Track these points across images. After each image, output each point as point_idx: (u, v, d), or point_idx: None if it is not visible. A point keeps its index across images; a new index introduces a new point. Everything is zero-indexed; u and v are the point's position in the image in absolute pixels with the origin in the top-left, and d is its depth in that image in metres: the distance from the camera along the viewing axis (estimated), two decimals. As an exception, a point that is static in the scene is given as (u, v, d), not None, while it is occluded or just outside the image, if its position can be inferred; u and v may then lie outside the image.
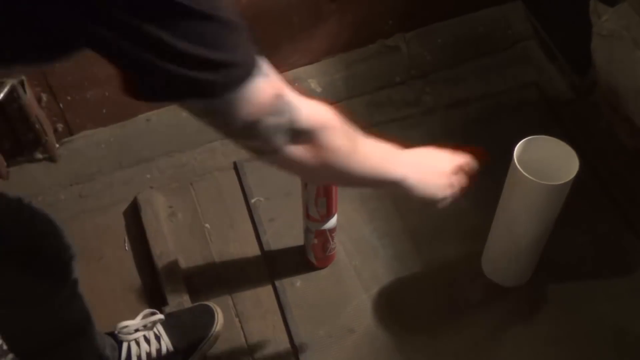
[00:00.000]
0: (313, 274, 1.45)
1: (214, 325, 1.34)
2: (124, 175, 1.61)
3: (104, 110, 1.59)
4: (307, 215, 1.35)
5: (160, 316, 1.31)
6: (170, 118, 1.64)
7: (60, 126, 1.58)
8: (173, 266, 1.45)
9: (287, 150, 0.83)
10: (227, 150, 1.64)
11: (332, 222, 1.36)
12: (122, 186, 1.58)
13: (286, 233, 1.50)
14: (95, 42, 0.70)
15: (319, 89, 1.70)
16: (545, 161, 1.24)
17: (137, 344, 1.29)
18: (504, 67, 1.77)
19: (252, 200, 1.55)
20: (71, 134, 1.61)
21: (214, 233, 1.52)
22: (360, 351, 1.36)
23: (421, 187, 1.02)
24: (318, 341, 1.37)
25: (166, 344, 1.30)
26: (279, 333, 1.39)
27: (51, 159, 1.59)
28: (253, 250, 1.49)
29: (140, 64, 0.70)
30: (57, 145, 1.60)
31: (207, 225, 1.53)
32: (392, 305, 1.41)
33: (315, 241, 1.39)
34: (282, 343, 1.37)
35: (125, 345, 1.28)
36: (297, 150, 0.84)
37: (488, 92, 1.73)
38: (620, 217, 1.51)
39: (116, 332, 1.29)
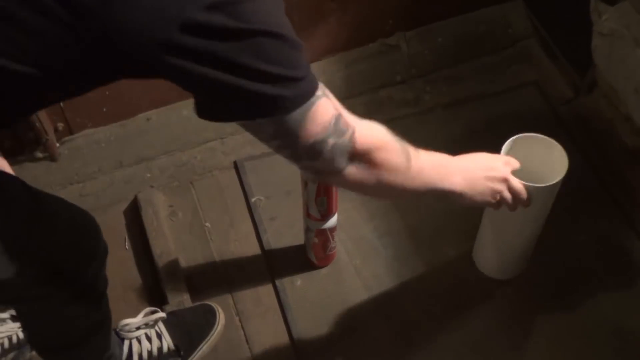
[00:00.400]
0: (313, 273, 1.46)
1: (216, 325, 1.34)
2: (124, 174, 1.61)
3: (105, 109, 1.59)
4: (307, 214, 1.35)
5: (162, 314, 1.32)
6: (171, 117, 1.64)
7: (60, 125, 1.58)
8: (173, 265, 1.45)
9: (347, 171, 0.88)
10: (228, 150, 1.64)
11: (333, 221, 1.36)
12: (123, 185, 1.58)
13: (286, 232, 1.50)
14: (173, 73, 0.74)
15: (319, 88, 1.70)
16: (535, 160, 1.22)
17: (139, 341, 1.29)
18: (505, 66, 1.77)
19: (253, 199, 1.55)
20: (72, 133, 1.61)
21: (215, 232, 1.52)
22: (361, 350, 1.36)
23: (472, 195, 1.05)
24: (318, 340, 1.37)
25: (167, 342, 1.30)
26: (279, 332, 1.39)
27: (51, 158, 1.59)
28: (253, 249, 1.49)
29: (218, 87, 0.75)
30: (58, 145, 1.60)
31: (207, 224, 1.53)
32: (393, 304, 1.41)
33: (316, 240, 1.39)
34: (282, 342, 1.37)
35: (126, 342, 1.28)
36: (356, 171, 0.89)
37: (488, 91, 1.73)
38: (621, 217, 1.51)
39: (118, 329, 1.29)
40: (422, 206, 1.54)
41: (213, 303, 1.37)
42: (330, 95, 0.85)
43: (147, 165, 1.61)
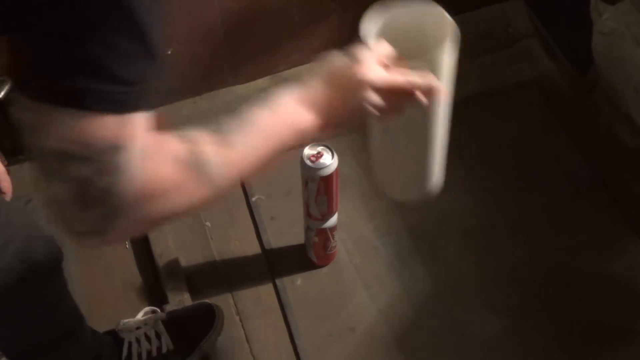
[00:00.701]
0: (314, 272, 1.45)
1: (215, 324, 1.34)
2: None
3: (105, 109, 1.59)
4: (307, 214, 1.35)
5: (162, 314, 1.32)
6: (170, 116, 1.63)
7: (60, 124, 1.58)
8: (173, 264, 1.45)
9: (109, 234, 0.64)
10: (228, 149, 1.64)
11: (333, 220, 1.36)
12: (123, 184, 1.58)
13: (287, 231, 1.50)
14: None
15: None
16: (416, 35, 0.90)
17: (138, 341, 1.29)
18: (505, 65, 1.77)
19: (253, 199, 1.55)
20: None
21: (215, 231, 1.52)
22: (361, 349, 1.36)
23: (334, 120, 0.80)
24: (318, 339, 1.37)
25: (167, 342, 1.30)
26: (279, 331, 1.39)
27: (51, 157, 1.58)
28: (254, 248, 1.49)
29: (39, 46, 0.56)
30: (58, 144, 1.59)
31: (207, 223, 1.53)
32: (393, 304, 1.41)
33: (316, 239, 1.39)
34: (282, 341, 1.37)
35: (126, 342, 1.28)
36: (124, 228, 0.65)
37: (488, 90, 1.73)
38: (621, 216, 1.51)
39: (117, 329, 1.29)
40: (423, 205, 1.54)
41: (212, 302, 1.37)
42: (136, 127, 0.61)
43: (147, 164, 1.61)
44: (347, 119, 0.81)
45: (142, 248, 1.50)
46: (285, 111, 0.76)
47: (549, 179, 1.57)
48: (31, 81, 0.58)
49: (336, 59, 0.82)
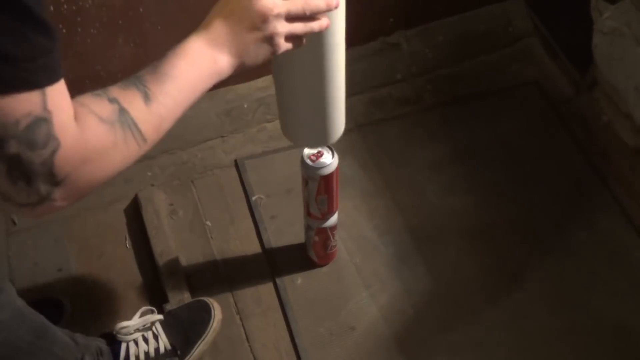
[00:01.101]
0: (314, 271, 1.46)
1: (211, 322, 1.34)
2: (124, 173, 1.59)
3: (105, 108, 1.59)
4: (308, 213, 1.35)
5: (159, 316, 1.31)
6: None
7: (61, 124, 1.58)
8: (174, 264, 1.45)
9: (42, 207, 0.65)
10: (228, 148, 1.64)
11: (333, 219, 1.36)
12: (123, 184, 1.58)
13: (287, 230, 1.50)
14: None
15: (319, 87, 1.70)
16: None
17: (136, 343, 1.29)
18: (505, 64, 1.77)
19: (253, 198, 1.55)
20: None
21: (215, 230, 1.52)
22: (361, 349, 1.36)
23: (248, 58, 0.81)
24: (319, 339, 1.37)
25: (164, 342, 1.30)
26: (279, 330, 1.39)
27: (52, 156, 1.59)
28: (254, 247, 1.49)
29: None
30: (58, 143, 1.59)
31: (208, 222, 1.53)
32: (393, 303, 1.41)
33: (316, 239, 1.39)
34: (282, 340, 1.38)
35: (123, 345, 1.28)
36: (58, 200, 0.65)
37: (489, 89, 1.73)
38: (621, 214, 1.51)
39: (114, 332, 1.29)
40: (423, 205, 1.54)
41: (208, 299, 1.37)
42: (54, 95, 0.62)
43: (148, 163, 1.61)
44: (255, 54, 0.81)
45: (142, 247, 1.50)
46: (197, 55, 0.77)
47: (549, 177, 1.57)
48: None
49: None
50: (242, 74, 0.84)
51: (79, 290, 1.43)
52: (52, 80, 0.62)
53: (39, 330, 1.10)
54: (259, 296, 1.43)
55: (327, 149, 1.24)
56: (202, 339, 1.33)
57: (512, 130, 1.66)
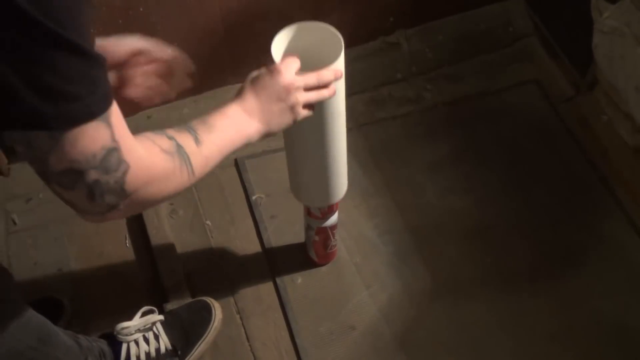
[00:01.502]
0: (314, 271, 1.46)
1: (212, 322, 1.34)
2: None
3: (105, 107, 1.59)
4: (308, 212, 1.35)
5: (160, 317, 1.31)
6: (171, 115, 1.64)
7: (61, 123, 1.58)
8: (174, 263, 1.45)
9: (114, 214, 0.77)
10: (228, 147, 1.64)
11: (333, 219, 1.36)
12: (123, 183, 1.58)
13: (287, 230, 1.50)
14: None
15: (320, 86, 1.70)
16: (312, 49, 1.06)
17: (137, 344, 1.29)
18: (505, 64, 1.77)
19: (253, 197, 1.55)
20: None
21: (215, 230, 1.52)
22: (361, 348, 1.36)
23: (273, 127, 0.96)
24: (319, 338, 1.37)
25: (165, 342, 1.30)
26: (279, 330, 1.39)
27: (52, 155, 1.59)
28: (254, 247, 1.49)
29: None
30: (58, 142, 1.59)
31: (208, 222, 1.53)
32: (393, 302, 1.41)
33: (316, 238, 1.39)
34: (282, 340, 1.38)
35: (124, 346, 1.28)
36: (128, 210, 0.77)
37: (489, 89, 1.73)
38: (621, 214, 1.51)
39: (115, 333, 1.29)
40: (423, 204, 1.54)
41: (208, 298, 1.37)
42: (115, 122, 0.71)
43: (148, 163, 1.61)
44: (280, 121, 0.97)
45: (142, 247, 1.50)
46: (236, 118, 0.93)
47: (549, 177, 1.57)
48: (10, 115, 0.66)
49: (259, 74, 0.97)
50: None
51: (79, 290, 1.43)
52: (110, 103, 0.71)
53: (43, 335, 1.11)
54: (259, 295, 1.43)
55: None
56: (202, 338, 1.33)
57: (512, 129, 1.66)
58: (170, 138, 0.82)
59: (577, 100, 1.67)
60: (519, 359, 1.35)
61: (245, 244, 1.50)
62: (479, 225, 1.51)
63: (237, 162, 1.61)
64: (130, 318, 1.30)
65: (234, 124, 0.92)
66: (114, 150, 0.72)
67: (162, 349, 1.30)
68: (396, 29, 1.74)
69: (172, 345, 1.30)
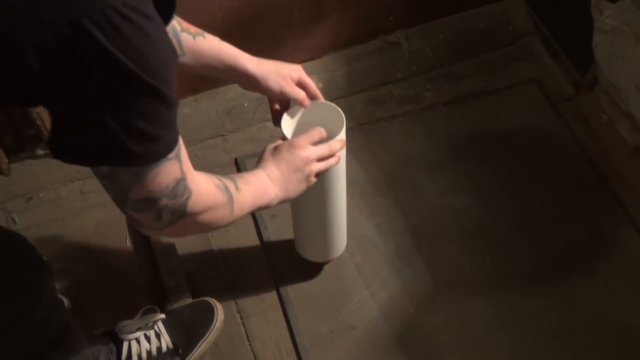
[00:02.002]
0: (314, 270, 1.46)
1: (214, 322, 1.34)
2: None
3: (105, 107, 1.59)
4: (308, 212, 1.35)
5: (162, 316, 1.31)
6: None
7: (61, 122, 1.58)
8: (174, 262, 1.45)
9: (168, 229, 0.88)
10: (229, 147, 1.64)
11: (333, 218, 1.37)
12: (124, 182, 1.59)
13: (288, 229, 1.50)
14: (49, 105, 0.74)
15: (320, 85, 1.70)
16: (316, 123, 1.17)
17: (138, 342, 1.29)
18: (505, 63, 1.77)
19: (253, 197, 1.55)
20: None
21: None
22: (361, 347, 1.36)
23: (290, 195, 1.09)
24: (319, 337, 1.37)
25: (166, 341, 1.30)
26: (280, 329, 1.39)
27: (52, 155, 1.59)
28: (254, 246, 1.49)
29: (76, 124, 0.73)
30: (59, 142, 1.59)
31: (208, 221, 1.53)
32: (393, 302, 1.41)
33: (317, 238, 1.40)
34: (283, 339, 1.38)
35: (125, 344, 1.28)
36: (179, 228, 0.89)
37: (489, 88, 1.73)
38: (622, 213, 1.51)
39: (116, 331, 1.29)
40: (423, 204, 1.54)
41: (211, 299, 1.37)
42: (183, 156, 0.83)
43: (148, 162, 1.61)
44: (296, 188, 1.09)
45: (143, 246, 1.50)
46: (262, 181, 1.05)
47: (549, 176, 1.57)
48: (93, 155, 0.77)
49: (278, 145, 1.10)
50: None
51: (79, 289, 1.43)
52: (178, 139, 0.82)
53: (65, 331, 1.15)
54: (260, 295, 1.43)
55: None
56: (204, 338, 1.33)
57: (513, 129, 1.66)
58: (219, 179, 0.96)
59: (578, 99, 1.67)
60: (520, 357, 1.35)
61: (246, 243, 1.50)
62: (479, 224, 1.51)
63: (237, 161, 1.61)
64: (131, 317, 1.30)
65: (262, 186, 1.05)
66: (182, 180, 0.84)
67: (164, 348, 1.30)
68: (396, 28, 1.74)
69: (173, 344, 1.31)
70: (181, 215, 0.87)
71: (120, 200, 0.84)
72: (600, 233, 1.49)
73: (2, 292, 1.00)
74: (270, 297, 1.43)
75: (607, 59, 1.47)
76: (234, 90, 1.64)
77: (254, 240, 1.50)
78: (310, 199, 1.24)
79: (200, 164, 1.61)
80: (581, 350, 1.34)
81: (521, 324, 1.38)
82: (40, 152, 1.58)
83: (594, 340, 1.35)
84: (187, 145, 1.63)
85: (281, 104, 1.17)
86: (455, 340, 1.37)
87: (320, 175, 1.12)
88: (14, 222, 1.52)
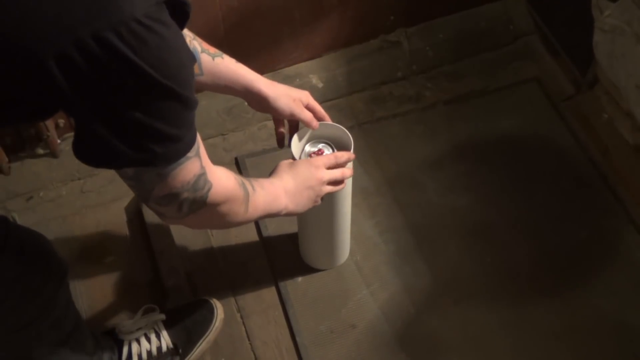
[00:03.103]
0: (314, 269, 1.46)
1: (214, 321, 1.34)
2: (125, 171, 1.61)
3: (106, 106, 1.59)
4: (308, 211, 1.36)
5: (162, 316, 1.31)
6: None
7: (61, 122, 1.58)
8: (174, 261, 1.45)
9: (189, 218, 0.93)
10: (229, 146, 1.64)
11: (334, 218, 1.38)
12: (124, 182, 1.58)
13: (288, 228, 1.50)
14: (71, 112, 0.79)
15: (320, 85, 1.70)
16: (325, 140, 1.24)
17: (138, 342, 1.29)
18: (506, 62, 1.77)
19: (254, 196, 1.55)
20: (73, 130, 1.61)
21: (216, 228, 1.52)
22: (361, 347, 1.36)
23: (297, 209, 1.13)
24: (319, 336, 1.37)
25: (166, 341, 1.30)
26: (280, 328, 1.39)
27: (53, 154, 1.59)
28: (255, 245, 1.49)
29: (101, 131, 0.76)
30: (59, 141, 1.60)
31: (208, 220, 1.53)
32: (393, 301, 1.41)
33: (317, 237, 1.40)
34: (283, 338, 1.38)
35: (126, 344, 1.28)
36: (199, 218, 0.94)
37: (489, 87, 1.73)
38: (622, 213, 1.51)
39: (117, 331, 1.29)
40: (423, 203, 1.54)
41: (211, 298, 1.37)
42: (201, 152, 0.87)
43: (148, 161, 1.61)
44: (305, 204, 1.13)
45: (143, 246, 1.50)
46: (277, 190, 1.10)
47: (549, 175, 1.57)
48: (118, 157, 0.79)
49: (299, 162, 1.15)
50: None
51: (79, 288, 1.43)
52: (196, 133, 0.86)
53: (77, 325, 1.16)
54: (260, 294, 1.43)
55: (327, 146, 1.24)
56: (204, 337, 1.33)
57: (513, 128, 1.66)
58: (237, 176, 1.00)
59: (578, 98, 1.67)
60: (520, 357, 1.35)
61: (246, 242, 1.50)
62: (480, 223, 1.51)
63: (238, 161, 1.61)
64: (131, 317, 1.30)
65: (275, 194, 1.09)
66: (202, 175, 0.88)
67: (164, 348, 1.30)
68: (396, 28, 1.74)
69: (173, 343, 1.31)
70: (201, 206, 0.91)
71: (144, 197, 0.89)
72: (600, 232, 1.49)
73: (24, 290, 1.01)
74: (271, 296, 1.43)
75: (608, 58, 1.47)
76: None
77: (254, 240, 1.50)
78: (318, 214, 1.28)
79: (200, 163, 1.61)
80: (581, 349, 1.34)
81: (521, 323, 1.38)
82: (40, 151, 1.58)
83: (594, 339, 1.35)
84: (188, 144, 1.64)
85: (289, 125, 1.23)
86: (456, 339, 1.37)
87: (325, 198, 1.18)
88: (15, 221, 1.52)
